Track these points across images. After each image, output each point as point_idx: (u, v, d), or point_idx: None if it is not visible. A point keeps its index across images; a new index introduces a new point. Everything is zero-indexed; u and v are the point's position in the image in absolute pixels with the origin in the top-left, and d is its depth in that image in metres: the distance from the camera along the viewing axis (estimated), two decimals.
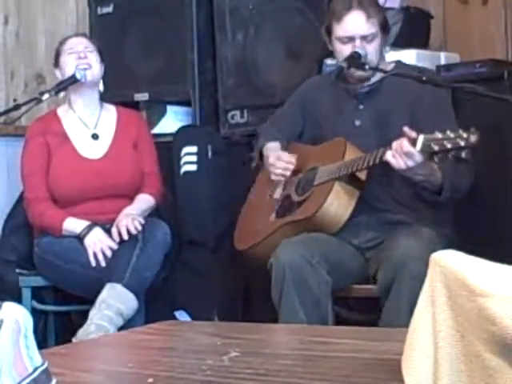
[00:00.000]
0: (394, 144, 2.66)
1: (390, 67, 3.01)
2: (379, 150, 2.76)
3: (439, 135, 2.54)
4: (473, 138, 2.50)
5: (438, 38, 3.86)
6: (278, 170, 3.03)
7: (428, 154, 2.58)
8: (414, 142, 2.60)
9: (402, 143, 2.62)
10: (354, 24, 2.91)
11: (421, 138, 2.58)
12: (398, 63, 3.06)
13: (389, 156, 2.67)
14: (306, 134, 3.15)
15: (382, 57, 3.03)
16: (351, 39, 2.92)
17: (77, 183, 3.36)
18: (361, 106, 3.01)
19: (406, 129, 2.63)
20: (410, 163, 2.63)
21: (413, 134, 2.61)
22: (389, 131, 2.86)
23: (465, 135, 2.50)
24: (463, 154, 2.52)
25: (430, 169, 2.71)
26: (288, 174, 3.02)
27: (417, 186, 2.83)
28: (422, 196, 2.88)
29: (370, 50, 2.92)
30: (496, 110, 3.08)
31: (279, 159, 3.03)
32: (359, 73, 2.94)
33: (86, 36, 3.64)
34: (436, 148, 2.54)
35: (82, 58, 3.41)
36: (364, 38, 2.91)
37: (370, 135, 2.94)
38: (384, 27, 2.96)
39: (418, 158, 2.61)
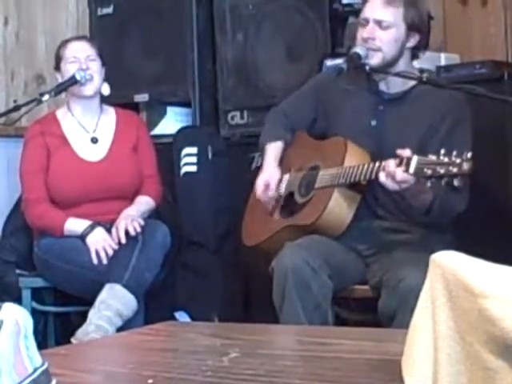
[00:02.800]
0: (387, 166, 2.61)
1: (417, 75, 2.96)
2: (375, 166, 2.73)
3: (433, 158, 2.49)
4: (465, 166, 2.44)
5: (438, 39, 3.85)
6: (263, 198, 3.08)
7: (420, 177, 2.55)
8: (407, 163, 2.55)
9: (396, 171, 2.57)
10: (372, 6, 2.89)
11: (414, 161, 2.53)
12: (427, 71, 3.00)
13: (382, 178, 2.64)
14: (319, 123, 3.12)
15: (411, 66, 2.98)
16: (367, 21, 2.88)
17: (76, 185, 3.36)
18: (381, 107, 2.95)
19: (399, 151, 2.59)
20: (404, 186, 2.61)
21: (406, 153, 2.57)
22: (402, 139, 2.80)
23: (458, 161, 2.45)
24: (455, 182, 2.47)
25: (421, 186, 2.65)
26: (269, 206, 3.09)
27: (404, 202, 2.78)
28: (408, 214, 2.85)
29: (382, 37, 2.86)
30: (496, 111, 3.08)
31: (266, 190, 3.06)
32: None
33: (87, 40, 3.59)
34: (429, 173, 2.49)
35: (84, 70, 3.39)
36: (378, 23, 2.87)
37: (383, 138, 2.89)
38: (410, 25, 2.88)
39: (412, 180, 2.58)
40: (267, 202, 3.09)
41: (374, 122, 2.95)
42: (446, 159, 2.47)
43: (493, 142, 3.15)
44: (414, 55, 2.97)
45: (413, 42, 2.92)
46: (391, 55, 2.89)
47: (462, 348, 1.14)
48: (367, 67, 2.88)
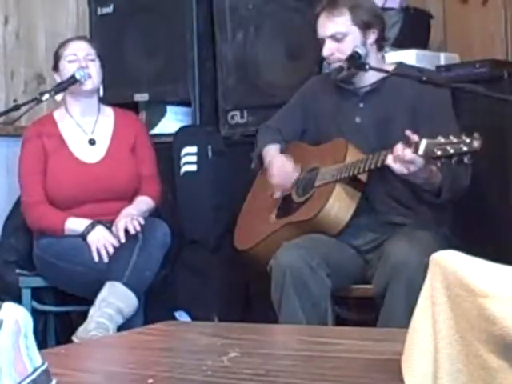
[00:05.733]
0: (395, 149, 2.63)
1: (390, 68, 3.01)
2: (380, 154, 2.75)
3: (442, 140, 2.51)
4: (476, 144, 2.47)
5: (437, 38, 3.86)
6: (279, 180, 3.04)
7: (430, 158, 2.57)
8: (416, 147, 2.58)
9: (404, 151, 2.59)
10: (321, 26, 2.99)
11: (423, 143, 2.55)
12: (399, 64, 3.05)
13: (390, 161, 2.66)
14: (309, 133, 3.15)
15: (382, 57, 3.03)
16: (323, 40, 2.98)
17: (74, 187, 3.36)
18: (361, 105, 3.00)
19: (408, 133, 2.61)
20: (413, 168, 2.62)
21: (415, 138, 2.59)
22: (389, 130, 2.88)
23: (468, 140, 2.48)
24: (466, 160, 2.50)
25: (430, 171, 2.69)
26: (289, 185, 3.04)
27: (416, 187, 2.82)
28: (421, 197, 2.88)
29: (341, 49, 2.93)
30: (496, 111, 3.08)
31: (283, 169, 3.03)
32: (344, 73, 2.95)
33: (86, 40, 3.59)
34: (439, 153, 2.52)
35: (84, 68, 3.39)
36: (333, 37, 2.95)
37: (370, 133, 2.95)
38: (363, 24, 2.94)
39: (420, 163, 2.60)
40: (286, 186, 3.05)
41: (358, 120, 3.00)
42: (456, 139, 2.49)
43: (493, 141, 3.15)
44: (380, 46, 3.03)
45: (373, 37, 2.98)
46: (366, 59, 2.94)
47: (462, 347, 1.14)
48: (367, 66, 2.90)
